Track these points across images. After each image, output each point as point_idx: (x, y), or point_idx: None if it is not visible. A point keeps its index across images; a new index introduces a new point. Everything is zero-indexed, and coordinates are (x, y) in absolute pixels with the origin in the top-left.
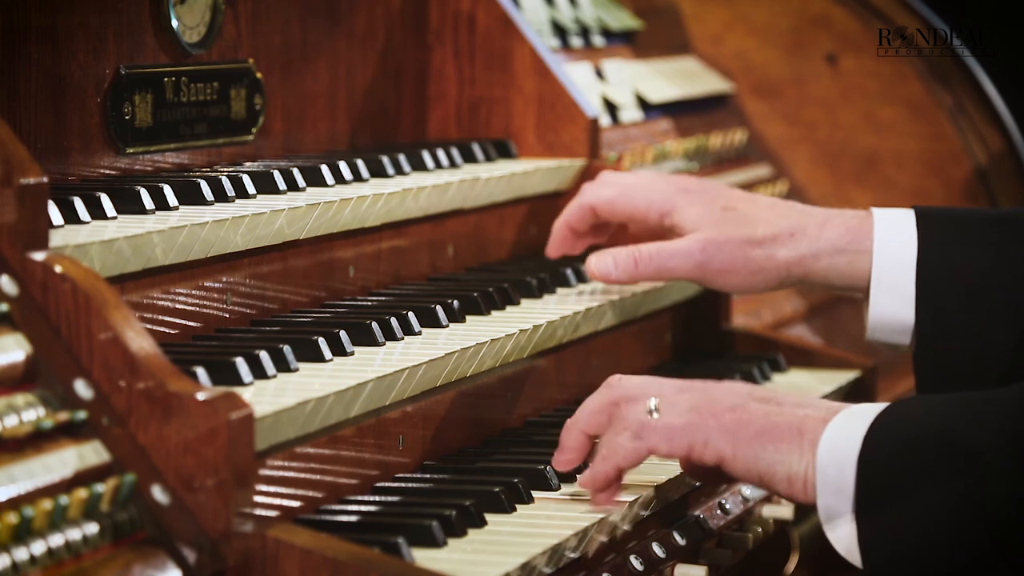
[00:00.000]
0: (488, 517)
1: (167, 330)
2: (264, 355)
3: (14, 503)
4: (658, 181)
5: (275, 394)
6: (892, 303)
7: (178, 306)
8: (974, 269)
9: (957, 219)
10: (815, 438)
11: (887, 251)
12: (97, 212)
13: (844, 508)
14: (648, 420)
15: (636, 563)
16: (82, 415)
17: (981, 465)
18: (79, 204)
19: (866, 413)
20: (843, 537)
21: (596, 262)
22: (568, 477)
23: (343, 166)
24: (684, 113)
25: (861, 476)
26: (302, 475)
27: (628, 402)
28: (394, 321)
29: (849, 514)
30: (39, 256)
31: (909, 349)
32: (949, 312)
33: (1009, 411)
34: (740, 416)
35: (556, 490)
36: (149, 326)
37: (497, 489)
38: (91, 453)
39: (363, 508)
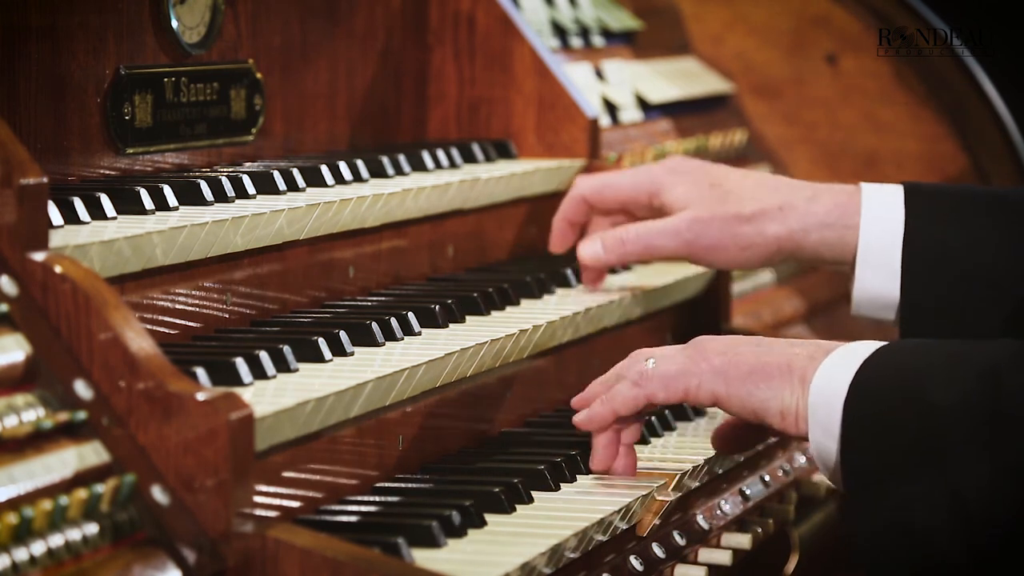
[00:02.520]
0: (488, 517)
1: (167, 330)
2: (264, 355)
3: (14, 503)
4: (647, 165)
5: (275, 394)
6: (877, 278)
7: (178, 306)
8: (961, 246)
9: (946, 196)
10: (804, 374)
11: (874, 226)
12: (97, 212)
13: (832, 447)
14: (646, 369)
15: (636, 563)
16: (82, 415)
17: (948, 429)
18: (79, 204)
19: (857, 353)
20: (833, 472)
21: (585, 248)
22: (568, 477)
23: (343, 166)
24: (684, 113)
25: (846, 423)
26: (302, 475)
27: (629, 361)
28: (394, 321)
29: (836, 452)
30: (39, 256)
31: (894, 324)
32: (934, 288)
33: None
34: (731, 358)
35: (556, 490)
36: (149, 326)
37: (497, 489)
38: (91, 453)
39: (363, 508)
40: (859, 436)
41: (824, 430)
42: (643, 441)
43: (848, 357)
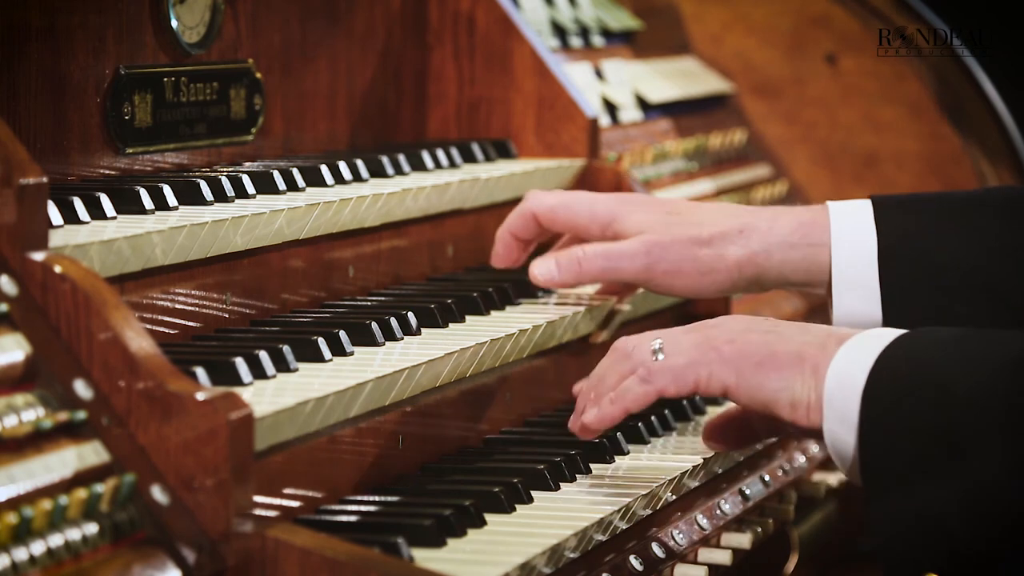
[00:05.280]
0: (488, 517)
1: (167, 330)
2: (264, 355)
3: (14, 503)
4: (601, 194)
5: (275, 394)
6: (856, 299)
7: (178, 306)
8: (939, 256)
9: (916, 206)
10: (816, 364)
11: (845, 246)
12: (97, 212)
13: (849, 438)
14: (653, 363)
15: (636, 563)
16: (82, 415)
17: (970, 421)
18: (79, 204)
19: (875, 341)
20: (847, 463)
21: (539, 266)
22: (568, 477)
23: (343, 166)
24: (684, 113)
25: (864, 414)
26: (302, 475)
27: (634, 346)
28: (394, 321)
29: (853, 443)
30: (39, 256)
31: None
32: (917, 303)
33: (1002, 365)
34: (741, 347)
35: (556, 490)
36: (149, 326)
37: (497, 489)
38: (91, 453)
39: (363, 508)
40: (879, 428)
41: (841, 421)
42: (643, 441)
43: (864, 347)
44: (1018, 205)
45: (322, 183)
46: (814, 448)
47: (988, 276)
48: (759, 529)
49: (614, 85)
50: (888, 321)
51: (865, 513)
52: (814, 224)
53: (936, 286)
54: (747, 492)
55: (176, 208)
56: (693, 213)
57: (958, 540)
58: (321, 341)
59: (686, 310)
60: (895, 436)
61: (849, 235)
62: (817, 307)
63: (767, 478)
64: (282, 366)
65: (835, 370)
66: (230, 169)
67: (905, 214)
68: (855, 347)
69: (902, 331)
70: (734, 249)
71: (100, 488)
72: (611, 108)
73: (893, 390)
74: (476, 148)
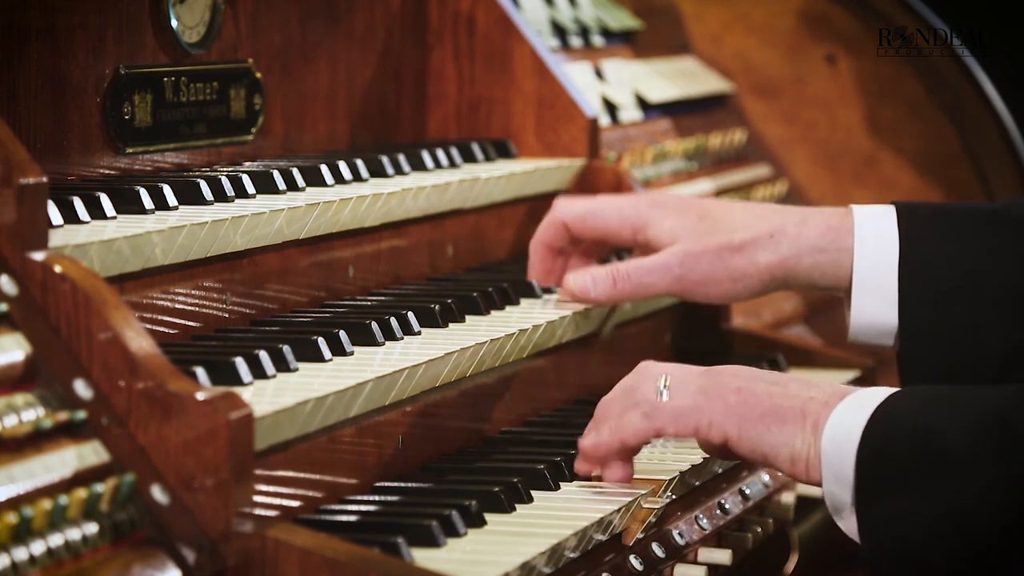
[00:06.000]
0: (488, 517)
1: (167, 330)
2: (264, 355)
3: (14, 503)
4: (630, 198)
5: (275, 394)
6: (874, 305)
7: (178, 306)
8: (959, 267)
9: (939, 216)
10: (817, 421)
11: (868, 251)
12: (97, 212)
13: (846, 497)
14: (657, 402)
15: (636, 563)
16: (82, 415)
17: (961, 468)
18: (79, 204)
19: (868, 402)
20: (847, 523)
21: (575, 280)
22: (568, 477)
23: (343, 166)
24: (684, 113)
25: (860, 470)
26: (302, 475)
27: (642, 379)
28: (394, 321)
29: (851, 502)
30: (39, 256)
31: (893, 349)
32: (933, 313)
33: (987, 412)
34: (746, 397)
35: (556, 490)
36: (149, 326)
37: (497, 489)
38: (91, 453)
39: (363, 508)
40: (871, 482)
41: (836, 478)
42: None
43: (860, 404)
44: None
45: (322, 183)
46: None
47: (1009, 289)
48: (759, 529)
49: (614, 85)
50: (903, 328)
51: (861, 562)
52: (841, 228)
53: (953, 299)
54: (747, 492)
55: (176, 208)
56: (724, 217)
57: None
58: (321, 341)
59: (686, 310)
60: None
61: (872, 241)
62: (818, 307)
63: (767, 478)
64: (282, 366)
65: (831, 430)
66: (230, 169)
67: (929, 224)
68: (849, 407)
69: (893, 390)
70: (765, 255)
71: (100, 488)
72: (611, 108)
73: (885, 452)
74: (476, 148)
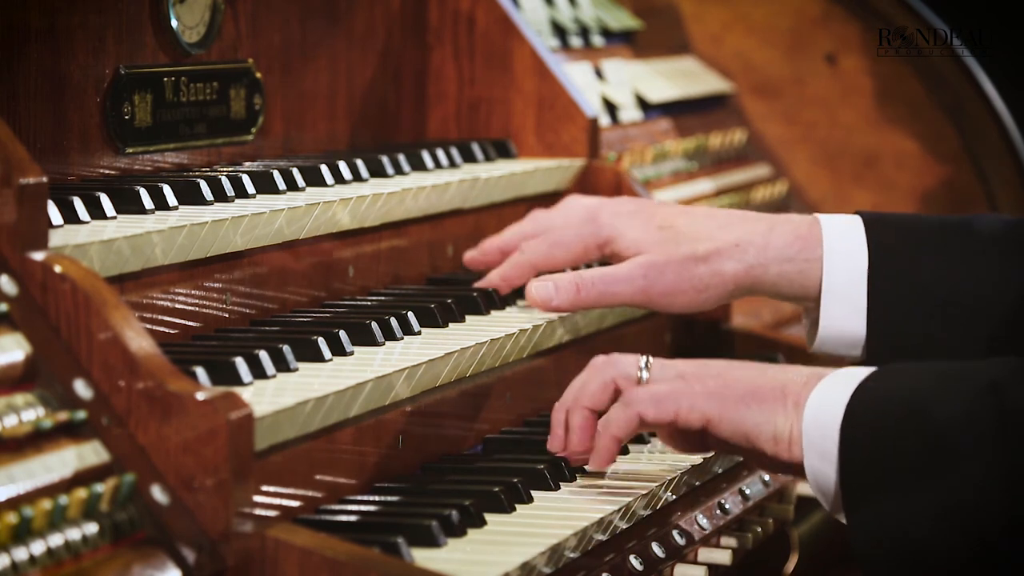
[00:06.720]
0: (488, 517)
1: (167, 330)
2: (264, 355)
3: (14, 503)
4: (583, 210)
5: (275, 394)
6: (843, 315)
7: (178, 306)
8: (927, 279)
9: (906, 227)
10: (799, 399)
11: (837, 261)
12: (97, 212)
13: (830, 473)
14: (635, 388)
15: (636, 563)
16: (82, 415)
17: (952, 443)
18: (79, 204)
19: (850, 379)
20: (830, 498)
21: (536, 288)
22: (568, 477)
23: (342, 166)
24: (684, 113)
25: (843, 444)
26: (302, 475)
27: (619, 358)
28: (394, 321)
29: (834, 477)
30: (39, 256)
31: (859, 360)
32: (903, 323)
33: (978, 390)
34: (725, 380)
35: (556, 490)
36: (149, 326)
37: (497, 489)
38: (91, 453)
39: (363, 508)
40: (857, 458)
41: (820, 454)
42: (642, 440)
43: (842, 381)
44: (1007, 235)
45: (322, 183)
46: None
47: (975, 301)
48: (759, 529)
49: (614, 85)
50: (871, 338)
51: (848, 539)
52: (809, 238)
53: (921, 309)
54: (747, 492)
55: (176, 208)
56: (686, 224)
57: (942, 562)
58: (321, 341)
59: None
60: (875, 463)
61: (841, 251)
62: None
63: (767, 478)
64: (282, 366)
65: (812, 406)
66: (230, 169)
67: (897, 235)
68: (832, 382)
69: (875, 368)
70: (731, 264)
71: (100, 488)
72: (611, 108)
73: (871, 420)
74: (476, 148)
